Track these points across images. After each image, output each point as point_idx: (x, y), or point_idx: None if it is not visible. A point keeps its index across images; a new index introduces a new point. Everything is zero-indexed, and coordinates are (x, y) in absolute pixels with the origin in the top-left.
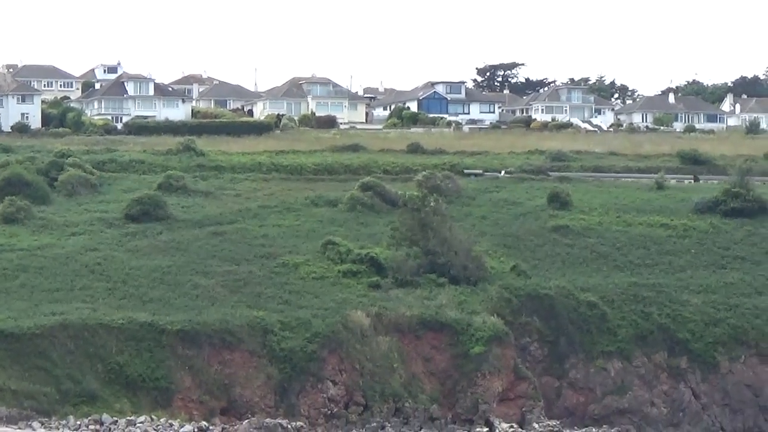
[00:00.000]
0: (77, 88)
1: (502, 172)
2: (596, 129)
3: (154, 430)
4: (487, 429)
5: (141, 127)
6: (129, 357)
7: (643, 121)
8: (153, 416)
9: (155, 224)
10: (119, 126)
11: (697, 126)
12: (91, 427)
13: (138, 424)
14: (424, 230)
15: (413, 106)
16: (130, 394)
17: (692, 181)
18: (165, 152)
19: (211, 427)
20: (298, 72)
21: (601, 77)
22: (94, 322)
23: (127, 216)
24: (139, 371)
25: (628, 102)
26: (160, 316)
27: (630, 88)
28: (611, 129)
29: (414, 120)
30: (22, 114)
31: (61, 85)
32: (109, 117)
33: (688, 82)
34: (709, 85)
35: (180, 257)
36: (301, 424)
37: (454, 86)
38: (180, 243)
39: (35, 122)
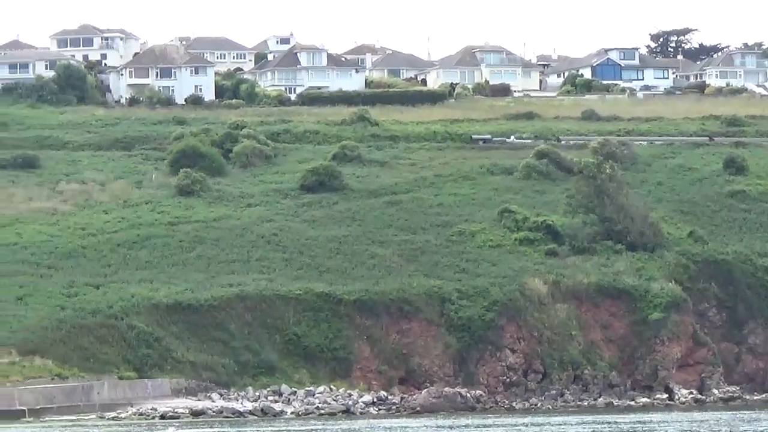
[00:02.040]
0: (250, 60)
1: (512, 137)
2: None
3: (333, 400)
4: (667, 395)
5: (315, 98)
6: (307, 327)
7: None
8: (332, 386)
9: (331, 194)
10: (293, 97)
11: None
12: (270, 398)
13: (317, 395)
14: (600, 197)
15: (587, 73)
16: (309, 364)
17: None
18: (339, 122)
19: (390, 397)
20: (471, 40)
21: None
22: (271, 293)
23: (302, 186)
24: (317, 342)
25: None
26: (338, 286)
27: None
28: None
29: (588, 87)
30: (196, 86)
31: (233, 57)
32: (283, 88)
33: None
34: None
35: (356, 227)
36: (480, 392)
37: (627, 52)
38: (356, 213)
39: (209, 94)
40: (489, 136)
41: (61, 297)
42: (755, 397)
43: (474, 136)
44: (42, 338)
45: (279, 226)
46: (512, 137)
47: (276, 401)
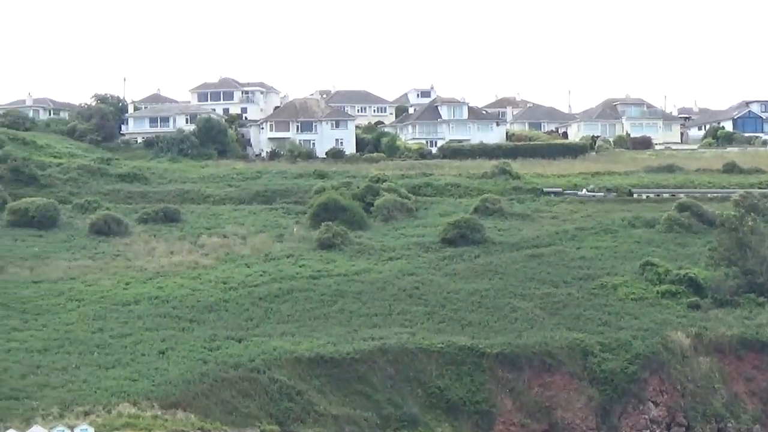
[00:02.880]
0: (391, 113)
1: (584, 190)
2: None
3: None
4: None
5: (455, 151)
6: (449, 381)
7: None
8: None
9: (472, 247)
10: (434, 150)
11: None
12: None
13: None
14: (743, 250)
15: (728, 126)
16: (451, 418)
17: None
18: (480, 176)
19: None
20: (611, 93)
21: None
22: (413, 347)
23: (443, 240)
24: (460, 395)
25: None
26: (480, 339)
27: None
28: None
29: (729, 139)
30: (336, 140)
31: (374, 110)
32: (424, 141)
33: None
34: None
35: (498, 280)
36: None
37: None
38: (497, 266)
39: (349, 147)
40: (560, 189)
41: (203, 351)
42: None
43: (545, 189)
44: (184, 392)
45: (420, 279)
46: (584, 190)
47: None
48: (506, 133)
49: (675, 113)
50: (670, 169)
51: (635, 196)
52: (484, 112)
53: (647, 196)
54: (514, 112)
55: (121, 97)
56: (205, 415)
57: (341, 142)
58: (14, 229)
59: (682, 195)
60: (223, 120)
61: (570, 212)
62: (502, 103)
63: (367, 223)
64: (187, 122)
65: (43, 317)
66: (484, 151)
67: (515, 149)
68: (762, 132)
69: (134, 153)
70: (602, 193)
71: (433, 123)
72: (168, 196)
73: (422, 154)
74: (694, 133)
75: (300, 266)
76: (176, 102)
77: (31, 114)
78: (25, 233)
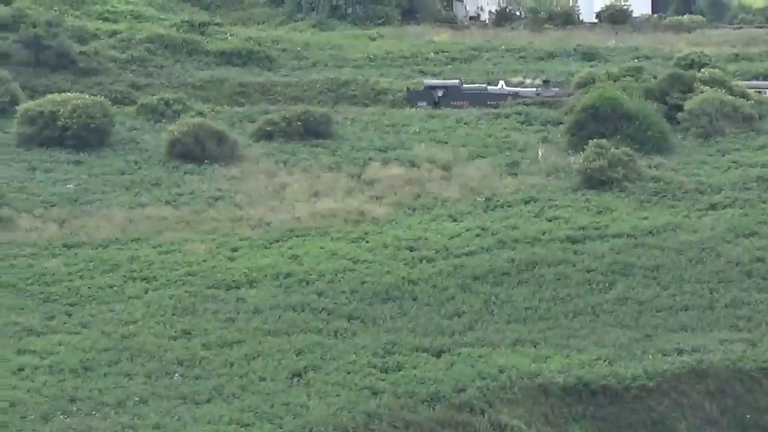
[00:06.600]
0: None
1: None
2: None
3: None
4: None
5: None
6: None
7: None
8: None
9: None
10: None
11: None
12: None
13: None
14: None
15: None
16: None
17: None
18: None
19: None
20: None
21: None
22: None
23: None
24: None
25: None
26: None
27: None
28: None
29: None
30: None
31: None
32: None
33: None
34: None
35: None
36: None
37: None
38: None
39: (639, 7)
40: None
41: (371, 372)
42: None
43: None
44: None
45: None
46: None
47: None
48: None
49: None
50: None
51: None
52: None
53: None
54: None
55: None
56: None
57: None
58: (31, 149)
59: None
60: None
61: None
62: None
63: (671, 142)
64: None
65: (82, 310)
66: None
67: None
68: None
69: (248, 13)
70: None
71: None
72: (309, 93)
73: None
74: None
75: (549, 220)
76: None
77: None
78: (50, 157)
